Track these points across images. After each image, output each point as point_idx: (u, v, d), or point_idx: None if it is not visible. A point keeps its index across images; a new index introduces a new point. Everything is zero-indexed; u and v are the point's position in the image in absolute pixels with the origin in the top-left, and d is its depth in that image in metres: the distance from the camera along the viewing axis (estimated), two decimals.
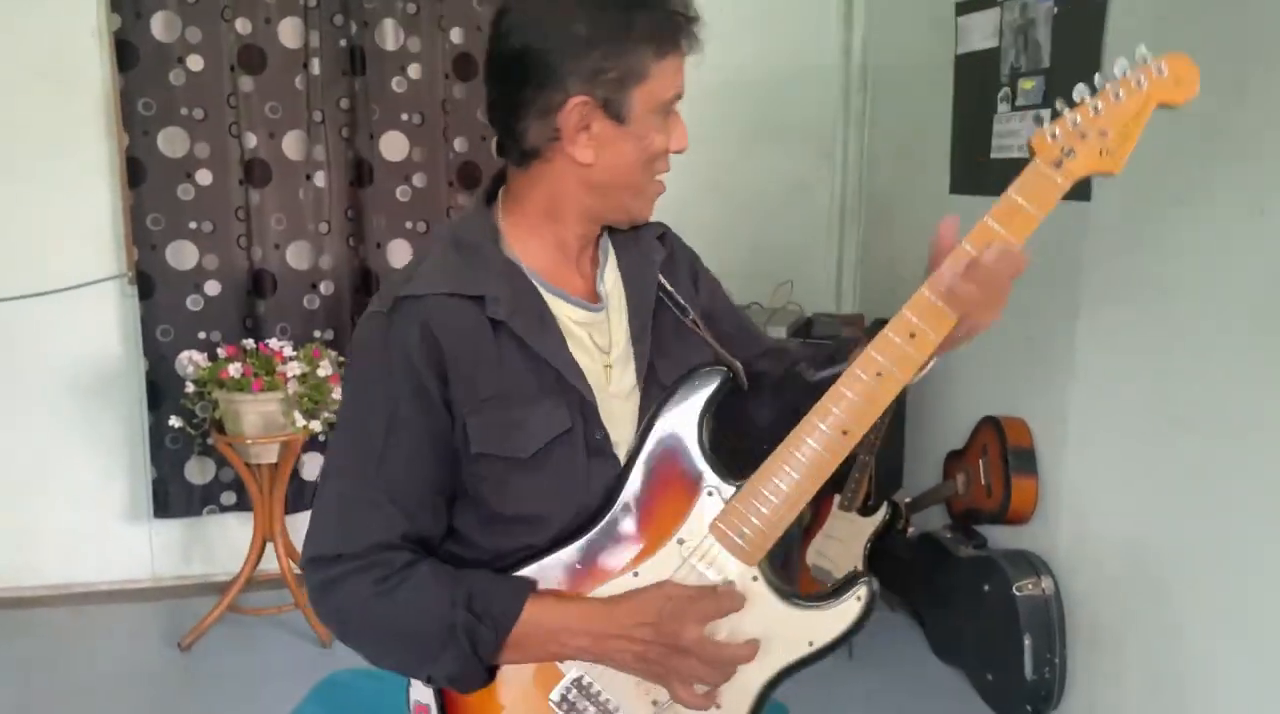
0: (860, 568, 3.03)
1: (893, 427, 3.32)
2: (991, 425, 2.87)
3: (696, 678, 1.12)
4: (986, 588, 2.75)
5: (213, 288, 3.24)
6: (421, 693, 1.22)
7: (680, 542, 1.15)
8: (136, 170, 3.13)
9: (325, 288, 3.34)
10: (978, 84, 2.98)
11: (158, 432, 3.21)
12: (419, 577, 1.13)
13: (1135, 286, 2.41)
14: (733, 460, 1.18)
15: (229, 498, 3.37)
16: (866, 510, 3.11)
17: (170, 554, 3.48)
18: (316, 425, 2.96)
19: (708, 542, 1.14)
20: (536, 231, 1.23)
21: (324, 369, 2.96)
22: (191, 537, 3.48)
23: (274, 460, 3.05)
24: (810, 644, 1.16)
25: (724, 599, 1.12)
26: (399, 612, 1.12)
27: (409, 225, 3.35)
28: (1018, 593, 2.63)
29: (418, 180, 3.34)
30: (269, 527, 3.13)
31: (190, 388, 2.97)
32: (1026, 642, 2.61)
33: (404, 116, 3.31)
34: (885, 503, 3.09)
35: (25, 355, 3.25)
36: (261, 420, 2.95)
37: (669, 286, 1.30)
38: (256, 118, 3.20)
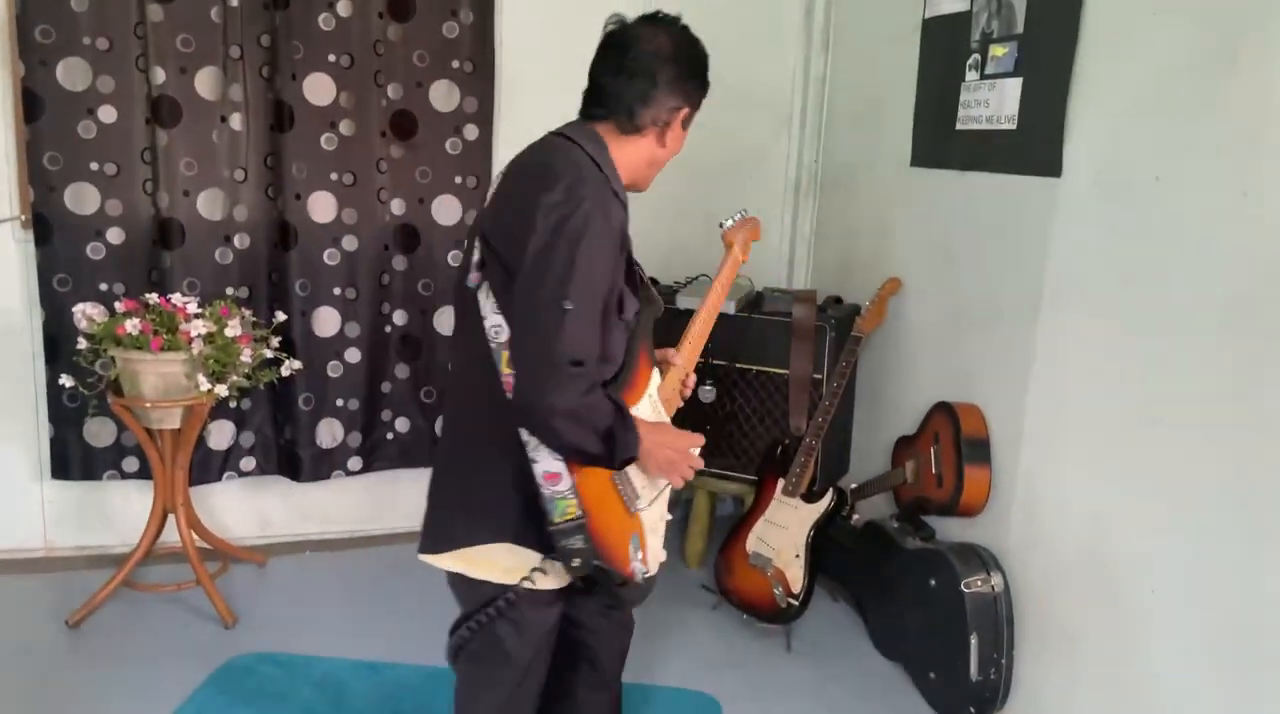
0: (801, 555, 2.88)
1: (841, 408, 3.17)
2: (945, 412, 2.73)
3: (684, 473, 1.78)
4: (933, 583, 2.61)
5: (115, 236, 2.97)
6: (550, 464, 1.66)
7: (649, 397, 1.83)
8: (33, 104, 2.84)
9: (240, 241, 3.09)
10: (946, 50, 2.82)
11: (55, 388, 2.94)
12: (601, 394, 1.65)
13: (1104, 270, 2.27)
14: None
15: (131, 464, 3.12)
16: (811, 496, 2.95)
17: (66, 523, 3.23)
18: (223, 390, 2.73)
19: (655, 399, 1.86)
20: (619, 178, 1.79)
21: (233, 329, 2.72)
22: (89, 504, 3.23)
23: (176, 426, 2.82)
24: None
25: (699, 437, 1.82)
26: (594, 416, 1.63)
27: (334, 177, 3.11)
28: (966, 589, 2.50)
29: (344, 128, 3.10)
30: (170, 497, 2.90)
31: (83, 344, 2.72)
32: (973, 641, 2.48)
33: (331, 57, 3.05)
34: (830, 489, 2.94)
35: None
36: (162, 382, 2.71)
37: None
38: (166, 51, 2.92)
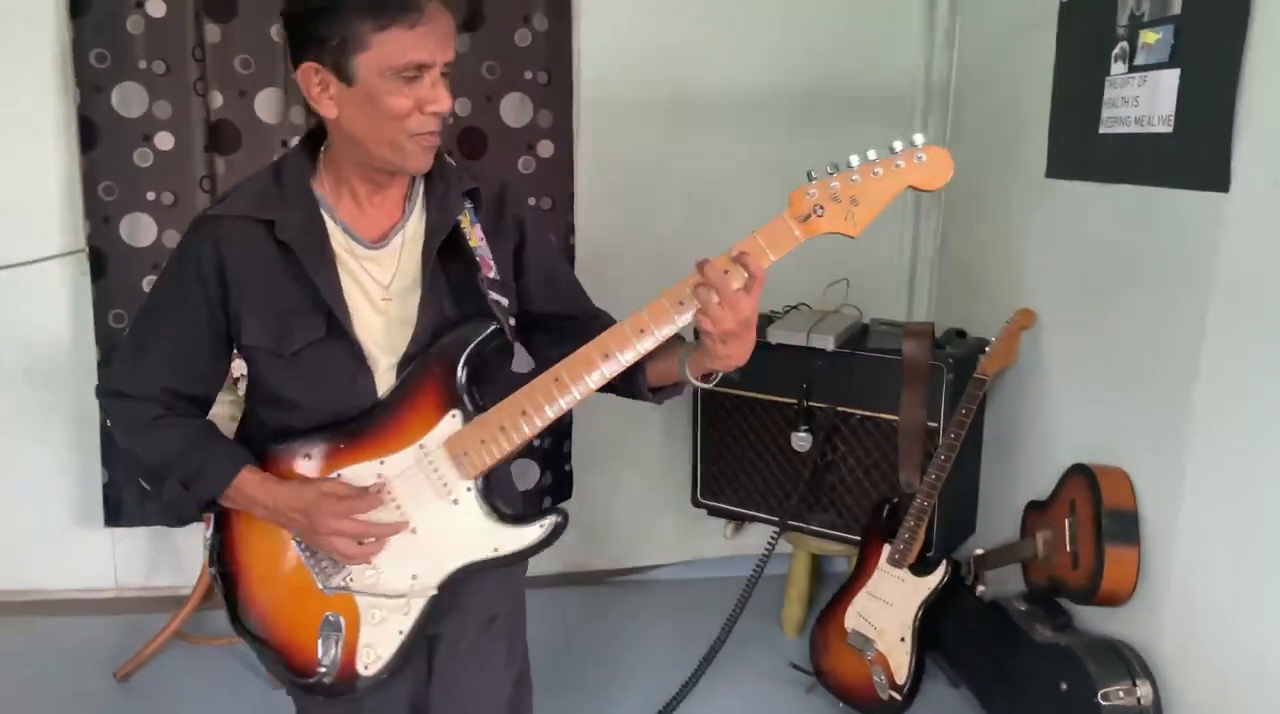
0: (908, 639, 2.46)
1: (965, 460, 2.72)
2: (1083, 476, 2.25)
3: (338, 552, 1.41)
4: (1064, 687, 2.14)
5: None
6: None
7: (420, 446, 1.43)
8: (88, 132, 2.73)
9: None
10: (1087, 38, 2.34)
11: (106, 430, 2.83)
12: (169, 432, 1.46)
13: None
14: (487, 399, 1.43)
15: None
16: (922, 568, 2.52)
17: (135, 563, 3.13)
18: None
19: (440, 452, 1.42)
20: (337, 173, 1.45)
21: None
22: (159, 545, 3.11)
23: None
24: (495, 550, 1.43)
25: (370, 499, 1.41)
26: (146, 450, 1.47)
27: None
28: (1103, 701, 2.02)
29: None
30: None
31: None
32: None
33: None
34: (945, 562, 2.50)
35: None
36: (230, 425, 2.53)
37: (473, 241, 1.47)
38: (226, 73, 2.77)
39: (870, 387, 2.70)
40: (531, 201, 2.97)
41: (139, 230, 2.80)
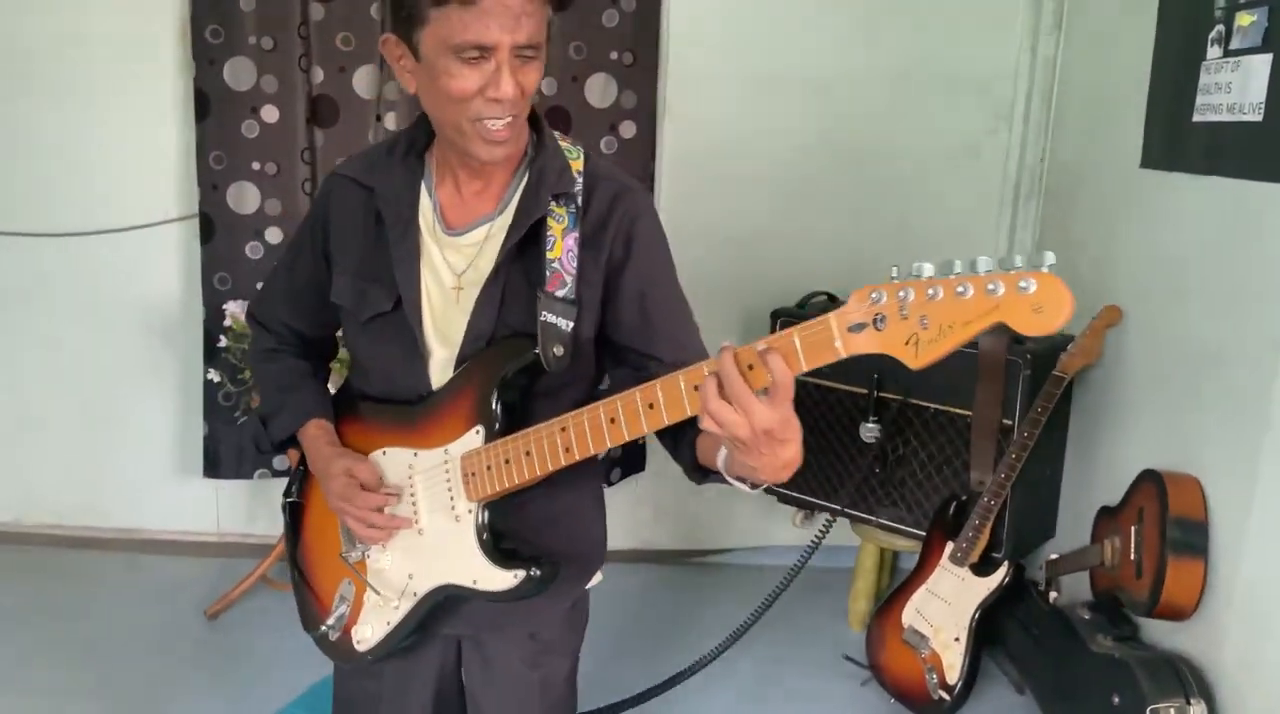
0: (963, 639, 2.39)
1: (1043, 461, 2.62)
2: (1153, 482, 2.14)
3: (353, 530, 1.44)
4: (1116, 700, 2.05)
5: (274, 235, 2.99)
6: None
7: (446, 452, 1.38)
8: (202, 103, 2.91)
9: None
10: (1186, 20, 2.21)
11: (209, 386, 3.01)
12: (272, 366, 1.56)
13: None
14: (520, 421, 1.34)
15: (283, 461, 3.14)
16: (983, 568, 2.45)
17: (236, 511, 3.33)
18: None
19: (456, 464, 1.37)
20: (444, 150, 1.39)
21: None
22: (258, 493, 3.30)
23: None
24: (473, 581, 1.36)
25: (382, 496, 1.41)
26: (257, 376, 1.60)
27: None
28: None
29: None
30: None
31: (223, 342, 2.74)
32: None
33: None
34: (1005, 562, 2.42)
35: (102, 291, 3.14)
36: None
37: (556, 250, 1.35)
38: (327, 49, 2.90)
39: (944, 380, 2.61)
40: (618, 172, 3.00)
41: (244, 198, 2.96)
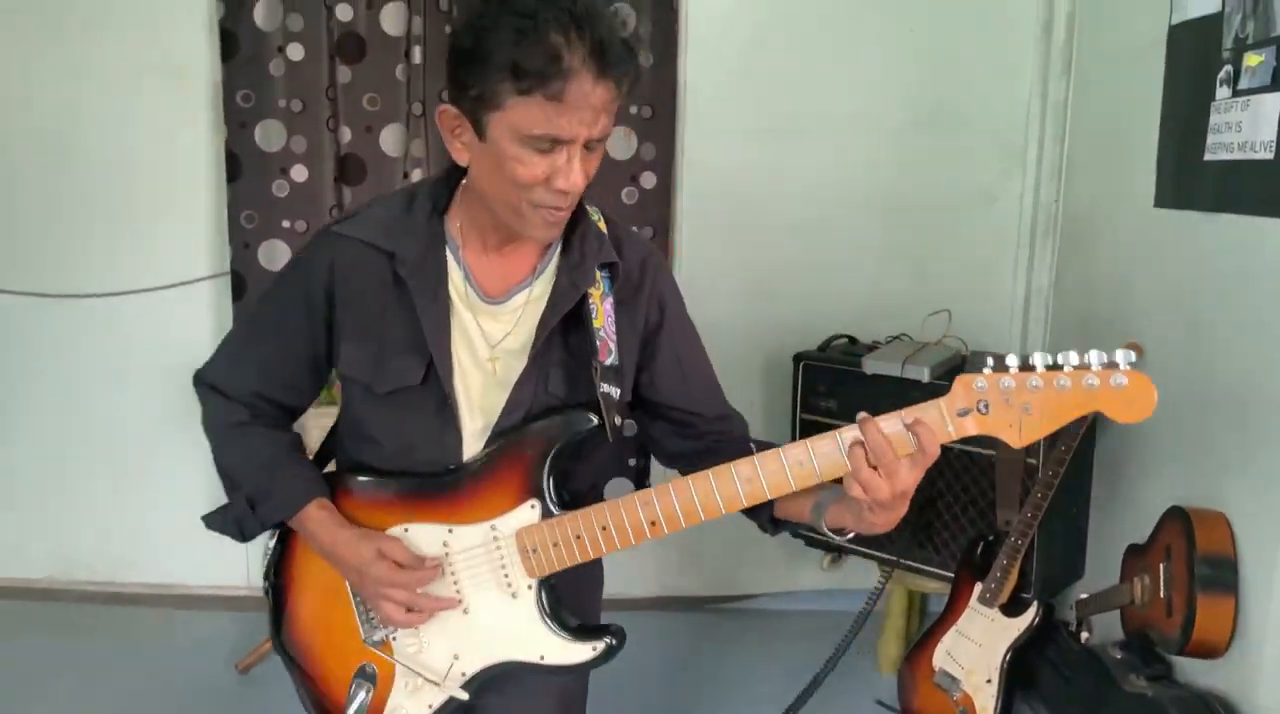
0: (994, 680, 2.38)
1: (1069, 500, 2.61)
2: (1179, 519, 2.14)
3: (384, 614, 1.35)
4: None
5: None
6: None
7: (493, 528, 1.34)
8: (234, 165, 2.99)
9: None
10: (1193, 62, 2.26)
11: None
12: (251, 441, 1.43)
13: None
14: (574, 498, 1.37)
15: None
16: (1013, 608, 2.44)
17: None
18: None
19: (509, 540, 1.33)
20: (471, 214, 1.36)
21: None
22: None
23: None
24: (541, 657, 1.36)
25: (426, 573, 1.34)
26: (226, 452, 1.44)
27: None
28: None
29: None
30: None
31: None
32: None
33: None
34: (1035, 603, 2.41)
35: (133, 350, 3.21)
36: (321, 436, 2.72)
37: (599, 320, 1.36)
38: (355, 110, 2.98)
39: None
40: (635, 230, 3.04)
41: (275, 256, 3.03)
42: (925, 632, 2.60)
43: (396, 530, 1.37)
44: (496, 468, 1.34)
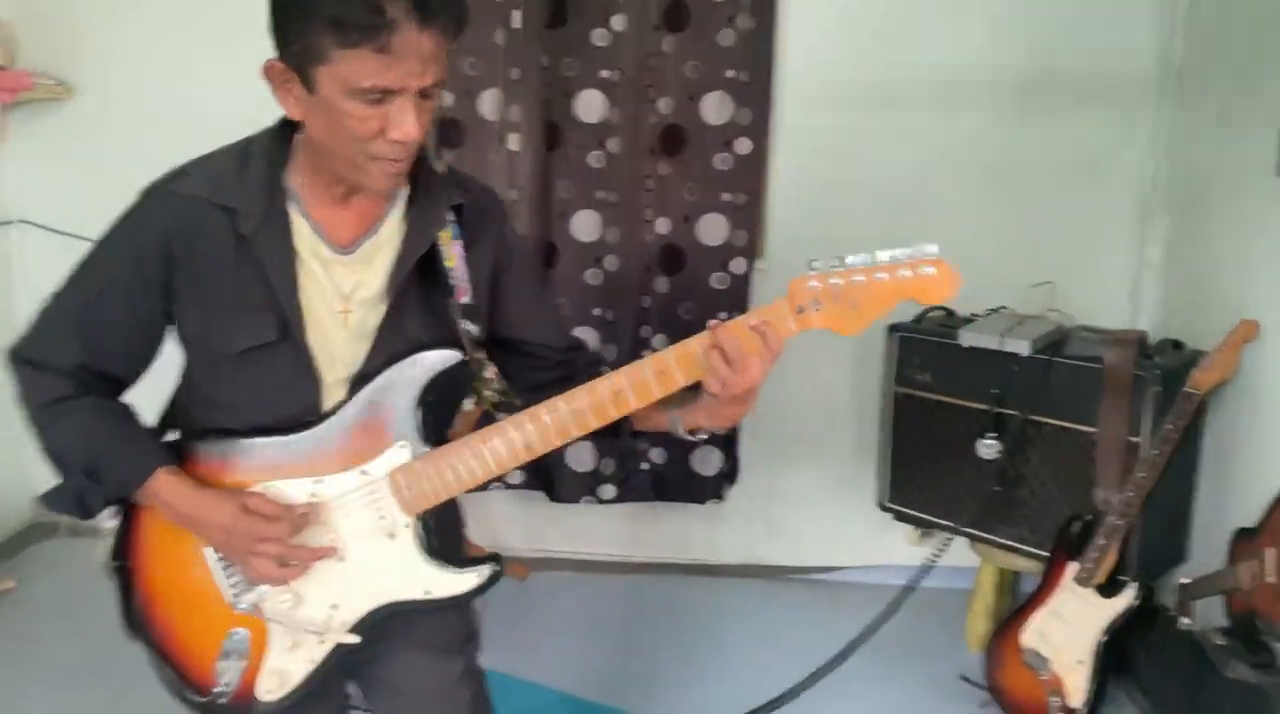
0: (1087, 662, 2.32)
1: (1174, 481, 2.52)
2: None
3: (257, 572, 1.31)
4: None
5: None
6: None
7: (363, 473, 1.34)
8: None
9: None
10: None
11: None
12: (80, 414, 1.33)
13: None
14: (441, 431, 1.40)
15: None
16: (1110, 589, 2.37)
17: None
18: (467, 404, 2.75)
19: (383, 482, 1.33)
20: (312, 167, 1.33)
21: None
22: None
23: None
24: (427, 592, 1.37)
25: (297, 521, 1.31)
26: (51, 431, 1.34)
27: (599, 195, 3.04)
28: None
29: (612, 145, 3.01)
30: None
31: None
32: None
33: (603, 73, 2.98)
34: (1133, 584, 2.34)
35: None
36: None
37: (450, 260, 1.38)
38: (454, 75, 3.02)
39: (1068, 395, 2.56)
40: (727, 197, 3.04)
41: None
42: (1017, 610, 2.55)
43: (255, 490, 1.34)
44: (360, 414, 1.33)
